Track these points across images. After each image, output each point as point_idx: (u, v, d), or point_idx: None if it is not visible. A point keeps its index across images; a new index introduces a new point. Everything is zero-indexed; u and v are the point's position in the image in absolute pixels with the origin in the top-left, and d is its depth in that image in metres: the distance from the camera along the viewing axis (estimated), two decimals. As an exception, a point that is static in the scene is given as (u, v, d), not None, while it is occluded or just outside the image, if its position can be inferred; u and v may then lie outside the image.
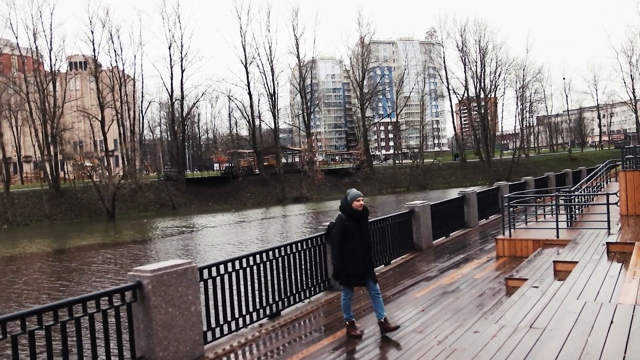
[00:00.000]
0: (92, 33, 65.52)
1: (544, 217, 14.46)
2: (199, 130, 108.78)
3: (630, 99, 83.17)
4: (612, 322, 4.42)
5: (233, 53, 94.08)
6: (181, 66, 69.27)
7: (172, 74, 69.46)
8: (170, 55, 69.12)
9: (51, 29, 61.66)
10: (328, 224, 8.41)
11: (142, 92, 72.99)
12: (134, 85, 71.56)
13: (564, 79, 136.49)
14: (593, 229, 11.24)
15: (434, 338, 6.27)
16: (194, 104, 78.08)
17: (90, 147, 72.49)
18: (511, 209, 12.39)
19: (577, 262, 7.91)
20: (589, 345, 3.91)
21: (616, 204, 12.59)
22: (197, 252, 29.63)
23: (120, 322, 5.44)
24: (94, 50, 66.10)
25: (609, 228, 10.96)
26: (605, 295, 5.67)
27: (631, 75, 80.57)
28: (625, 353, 3.71)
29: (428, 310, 7.55)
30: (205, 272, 6.52)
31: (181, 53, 69.10)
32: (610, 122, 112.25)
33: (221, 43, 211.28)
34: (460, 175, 77.76)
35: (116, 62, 67.79)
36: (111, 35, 66.57)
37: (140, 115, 73.97)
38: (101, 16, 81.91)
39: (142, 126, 77.18)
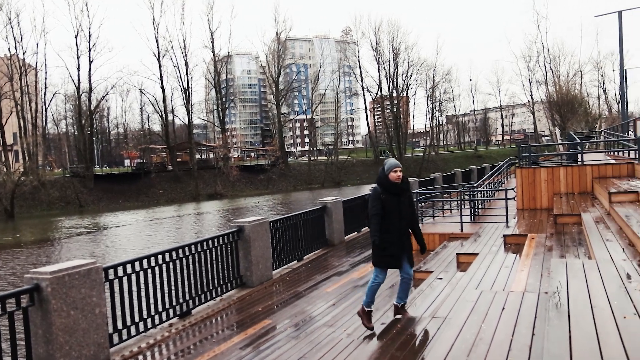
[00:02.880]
0: (-13, 17, 60.88)
1: (450, 212, 15.18)
2: (108, 125, 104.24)
3: (529, 101, 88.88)
4: (503, 308, 4.75)
5: (145, 45, 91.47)
6: (89, 57, 66.09)
7: (79, 64, 66.14)
8: (77, 44, 65.73)
9: None
10: (366, 195, 7.41)
11: (46, 83, 68.80)
12: (36, 75, 67.11)
13: (470, 80, 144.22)
14: (493, 222, 11.96)
15: (344, 331, 6.41)
16: (103, 97, 74.81)
17: (-15, 141, 67.26)
18: (420, 204, 12.92)
19: (477, 254, 8.38)
20: (483, 331, 4.19)
21: (513, 199, 13.48)
22: (103, 253, 28.37)
23: (14, 329, 5.11)
24: (-12, 35, 61.38)
25: (507, 221, 11.73)
26: (499, 284, 6.06)
27: (529, 80, 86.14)
28: (512, 336, 4.01)
29: (339, 304, 7.71)
30: (111, 272, 6.29)
31: (89, 43, 65.94)
32: (512, 122, 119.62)
33: (133, 34, 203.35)
34: (374, 172, 79.56)
35: (15, 49, 63.29)
36: (9, 19, 62.00)
37: (43, 107, 69.71)
38: (-2, -1, 76.00)
39: (46, 119, 72.78)
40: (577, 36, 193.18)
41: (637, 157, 12.63)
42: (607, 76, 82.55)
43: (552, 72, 79.45)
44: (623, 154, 16.21)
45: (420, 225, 12.44)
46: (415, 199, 12.89)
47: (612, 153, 18.32)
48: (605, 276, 4.61)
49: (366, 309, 6.05)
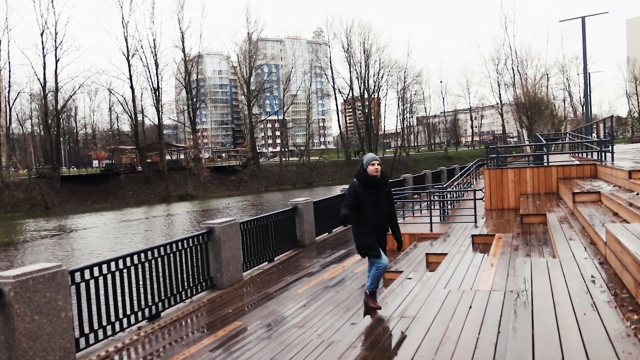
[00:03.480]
0: (-53, 14, 59.05)
1: (420, 212, 15.36)
2: (76, 125, 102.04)
3: (497, 103, 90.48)
4: (470, 307, 4.84)
5: (114, 44, 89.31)
6: (55, 55, 64.55)
7: (44, 63, 64.47)
8: (42, 42, 64.06)
9: None
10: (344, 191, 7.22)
11: (10, 82, 66.92)
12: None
13: (441, 82, 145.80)
14: (462, 222, 12.13)
15: (314, 332, 6.44)
16: (70, 96, 73.21)
17: (-54, 141, 65.24)
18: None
19: (446, 254, 8.49)
20: (450, 330, 4.25)
21: (482, 199, 13.72)
22: (69, 256, 27.81)
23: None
24: (-52, 32, 59.52)
25: (475, 222, 11.91)
26: (467, 283, 6.16)
27: (498, 82, 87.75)
28: (479, 335, 4.08)
29: (309, 305, 7.73)
30: (78, 275, 6.18)
31: (55, 41, 64.39)
32: (481, 123, 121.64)
33: (101, 33, 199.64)
34: (345, 173, 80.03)
35: (-24, 46, 61.46)
36: (-30, 17, 60.22)
37: (7, 106, 67.90)
38: (-41, -5, 73.87)
39: (10, 119, 70.90)
40: (543, 40, 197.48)
41: (599, 158, 12.99)
42: (572, 79, 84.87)
43: (520, 74, 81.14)
44: (587, 156, 16.64)
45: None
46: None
47: (576, 154, 18.80)
48: (567, 274, 4.73)
49: (371, 290, 6.13)
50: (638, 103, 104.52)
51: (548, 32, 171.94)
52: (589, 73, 33.71)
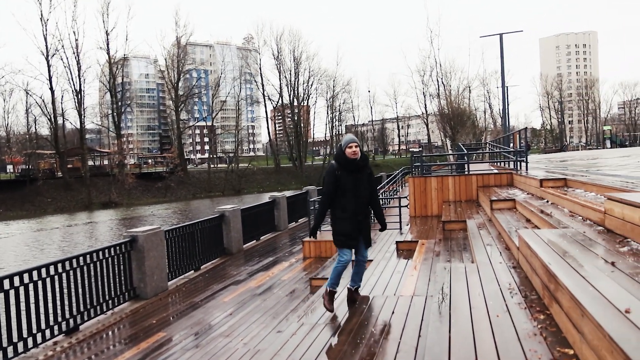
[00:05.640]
0: None
1: (348, 219, 15.55)
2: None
3: (423, 113, 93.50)
4: (393, 312, 4.97)
5: (32, 42, 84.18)
6: (-36, 53, 60.57)
7: (-48, 61, 60.35)
8: (-50, 39, 59.97)
9: None
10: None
11: None
12: None
13: (369, 91, 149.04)
14: (388, 229, 12.40)
15: (240, 340, 6.39)
16: (-19, 97, 68.80)
17: None
18: (318, 212, 13.11)
19: (371, 260, 8.66)
20: (372, 335, 4.35)
21: (406, 206, 14.11)
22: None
23: None
24: None
25: (400, 228, 12.23)
26: (391, 289, 6.32)
27: (423, 93, 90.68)
28: (400, 339, 4.20)
29: (236, 314, 7.66)
30: (-13, 288, 5.84)
31: (-36, 38, 60.43)
32: (408, 132, 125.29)
33: (17, 30, 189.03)
34: (274, 180, 79.99)
35: None
36: None
37: None
38: None
39: None
40: (465, 54, 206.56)
41: (515, 167, 13.70)
42: (492, 92, 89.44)
43: (444, 86, 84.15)
44: (504, 165, 17.50)
45: (318, 232, 12.74)
46: (313, 207, 13.09)
47: (495, 164, 19.74)
48: (484, 279, 4.96)
49: (329, 289, 5.86)
50: (550, 116, 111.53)
51: (470, 46, 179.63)
52: (507, 87, 35.59)
